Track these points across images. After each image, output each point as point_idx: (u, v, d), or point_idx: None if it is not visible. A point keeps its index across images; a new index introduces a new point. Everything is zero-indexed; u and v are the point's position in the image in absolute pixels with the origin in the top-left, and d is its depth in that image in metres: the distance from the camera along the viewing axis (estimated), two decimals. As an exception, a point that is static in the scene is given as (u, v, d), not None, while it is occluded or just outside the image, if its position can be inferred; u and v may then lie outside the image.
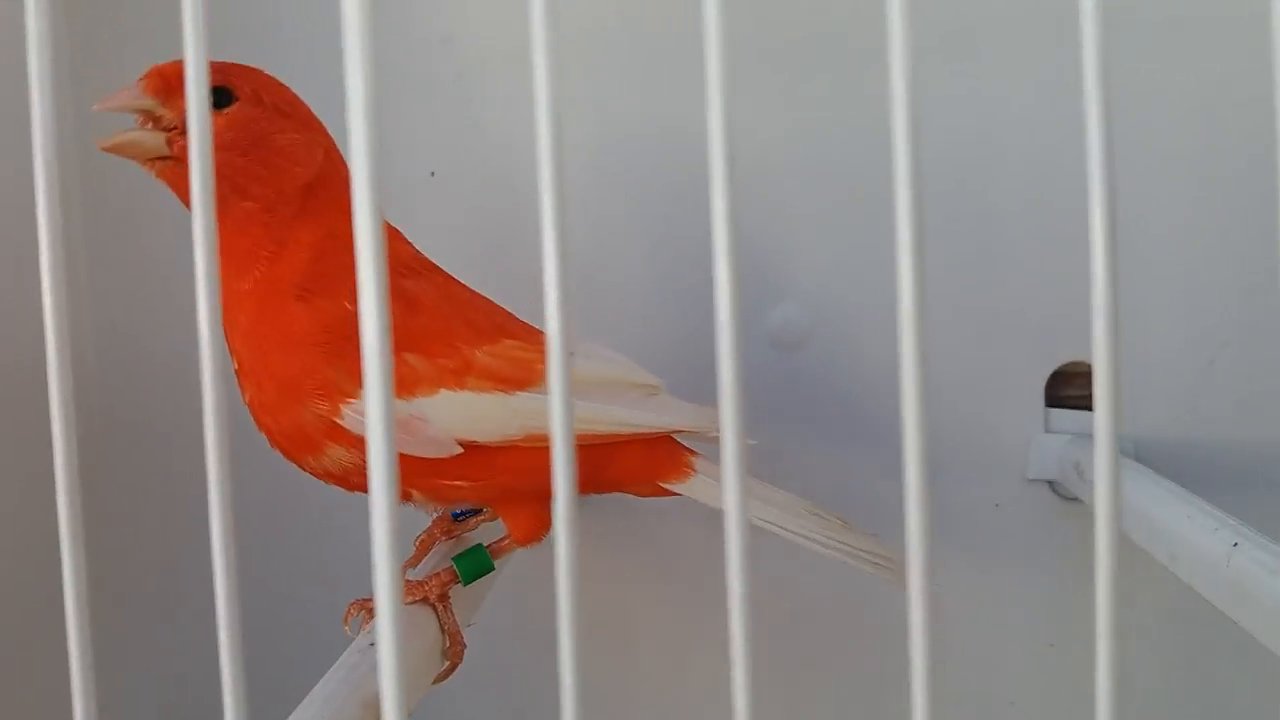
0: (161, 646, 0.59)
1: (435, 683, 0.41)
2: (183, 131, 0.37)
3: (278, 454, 0.41)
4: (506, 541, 0.43)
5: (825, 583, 0.55)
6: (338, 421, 0.38)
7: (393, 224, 0.41)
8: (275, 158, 0.39)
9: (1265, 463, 0.53)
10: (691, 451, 0.44)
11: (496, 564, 0.43)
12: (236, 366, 0.40)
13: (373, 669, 0.35)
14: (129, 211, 0.56)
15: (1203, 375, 0.53)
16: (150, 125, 0.37)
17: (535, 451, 0.40)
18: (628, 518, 0.56)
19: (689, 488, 0.43)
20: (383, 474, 0.22)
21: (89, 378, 0.56)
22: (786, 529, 0.43)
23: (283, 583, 0.55)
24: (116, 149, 0.37)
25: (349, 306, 0.39)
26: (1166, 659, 0.53)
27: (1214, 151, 0.53)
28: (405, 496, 0.40)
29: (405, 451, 0.38)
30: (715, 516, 0.42)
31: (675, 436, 0.44)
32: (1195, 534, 0.39)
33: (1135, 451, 0.52)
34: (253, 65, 0.40)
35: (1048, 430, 0.54)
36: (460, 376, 0.40)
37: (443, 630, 0.41)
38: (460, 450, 0.40)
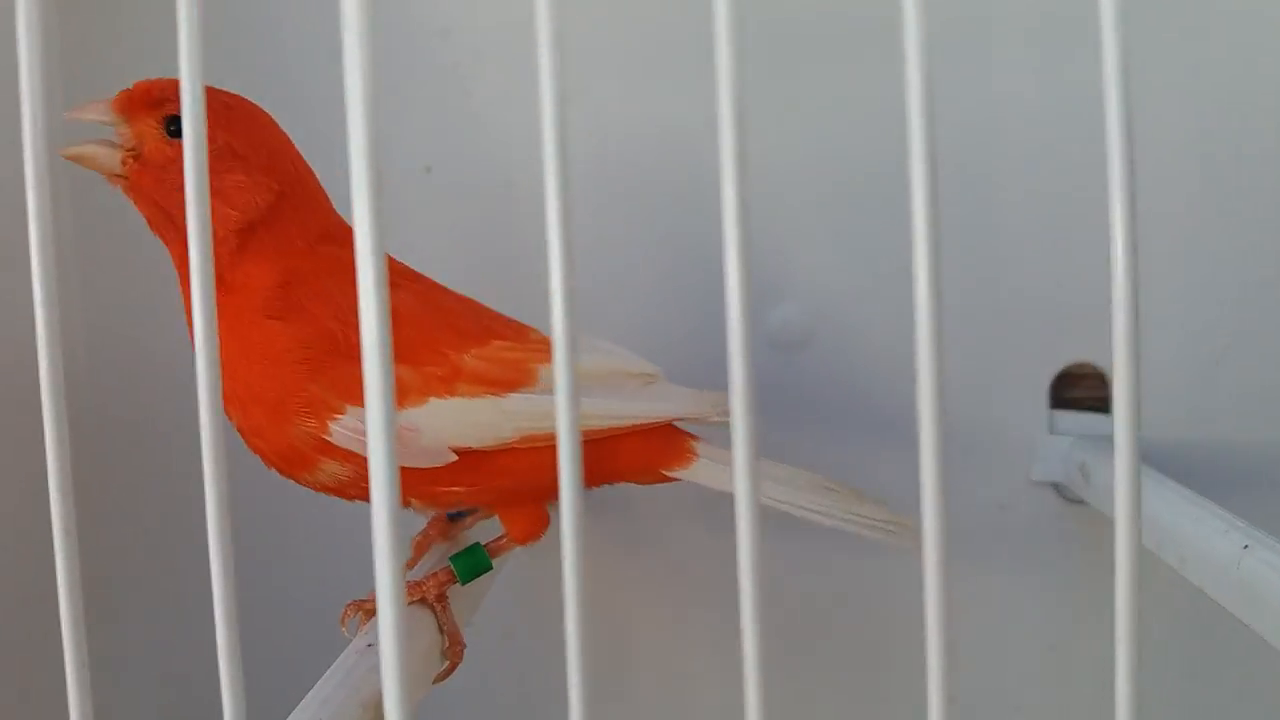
0: (159, 649, 0.58)
1: (435, 682, 0.41)
2: (136, 155, 0.38)
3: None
4: (504, 540, 0.42)
5: (828, 574, 0.54)
6: (326, 439, 0.38)
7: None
8: (210, 198, 0.38)
9: (1273, 464, 0.52)
10: (692, 436, 0.44)
11: (494, 563, 0.43)
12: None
13: (371, 670, 0.35)
14: (119, 210, 0.55)
15: (1209, 376, 0.53)
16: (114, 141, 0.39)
17: (531, 452, 0.40)
18: (626, 517, 0.56)
19: (692, 473, 0.43)
20: (383, 476, 0.21)
21: (79, 376, 0.56)
22: (796, 505, 0.42)
23: (278, 585, 0.54)
24: (76, 158, 0.38)
25: (328, 324, 0.38)
26: (1177, 662, 0.53)
27: (1220, 147, 0.52)
28: (404, 504, 0.40)
29: (400, 463, 0.37)
30: (714, 513, 0.42)
31: (675, 423, 0.44)
32: (1205, 537, 0.38)
33: (1142, 454, 0.52)
34: (236, 93, 0.40)
35: (1052, 432, 0.54)
36: (449, 383, 0.39)
37: (441, 630, 0.41)
38: (455, 458, 0.39)
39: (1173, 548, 0.39)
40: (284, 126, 0.41)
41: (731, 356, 0.21)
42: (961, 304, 0.53)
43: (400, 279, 0.42)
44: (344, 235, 0.42)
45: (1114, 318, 0.21)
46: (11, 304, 0.49)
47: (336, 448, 0.38)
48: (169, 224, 0.39)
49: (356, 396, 0.38)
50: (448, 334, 0.40)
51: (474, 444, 0.39)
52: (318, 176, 0.42)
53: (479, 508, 0.46)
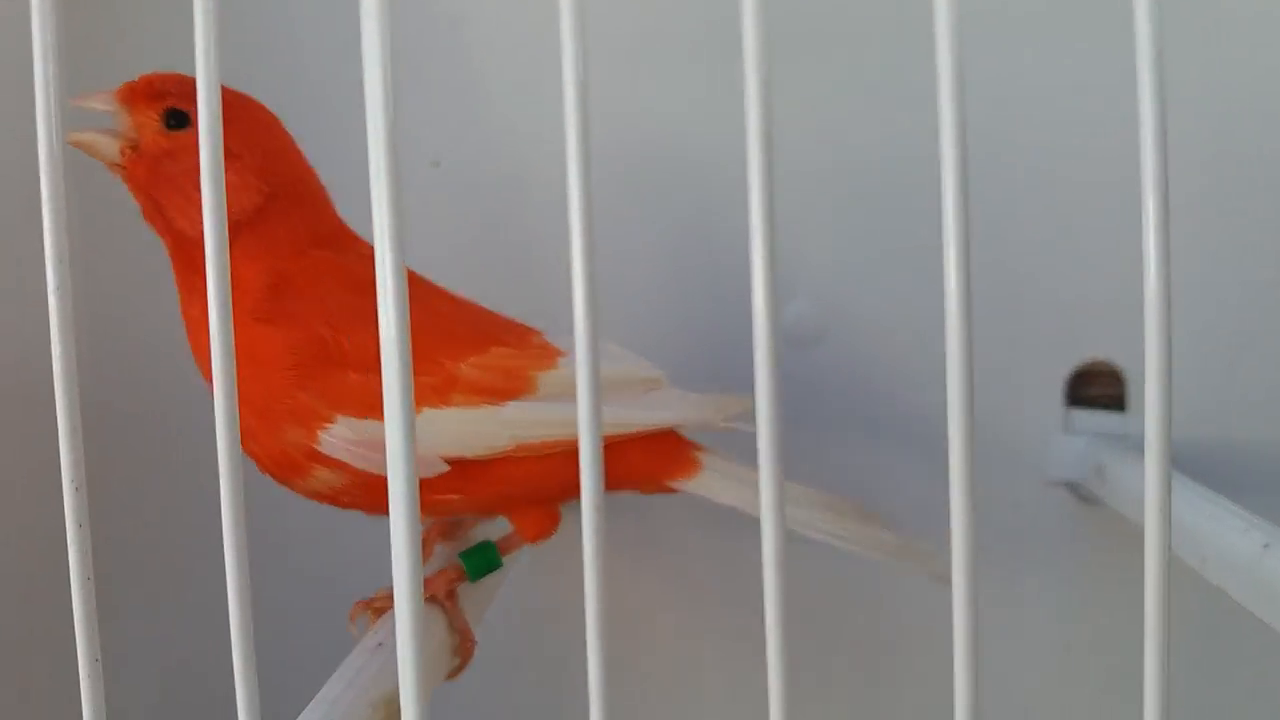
0: (159, 647, 0.58)
1: (447, 679, 0.41)
2: (134, 146, 0.38)
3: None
4: (514, 538, 0.42)
5: (840, 580, 0.54)
6: (316, 448, 0.38)
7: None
8: (197, 193, 0.38)
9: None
10: (697, 445, 0.43)
11: (504, 560, 0.42)
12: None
13: (381, 669, 0.35)
14: (122, 202, 0.55)
15: (1227, 373, 0.53)
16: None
17: (529, 460, 0.39)
18: (638, 521, 0.55)
19: (696, 484, 0.42)
20: (402, 480, 0.21)
21: (83, 369, 0.55)
22: (816, 529, 0.42)
23: (285, 584, 0.54)
24: (78, 144, 0.38)
25: (318, 330, 0.38)
26: (1198, 662, 0.52)
27: (1232, 144, 0.52)
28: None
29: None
30: (726, 518, 0.41)
31: (679, 431, 0.43)
32: (1225, 536, 0.38)
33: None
34: (240, 91, 0.39)
35: (1067, 431, 0.53)
36: (444, 393, 0.38)
37: (452, 628, 0.40)
38: (447, 468, 0.39)
39: (1193, 548, 0.39)
40: (288, 123, 0.41)
41: (759, 387, 0.20)
42: (976, 301, 0.52)
43: None
44: (342, 239, 0.41)
45: (1146, 323, 0.21)
46: (19, 297, 0.49)
47: (327, 455, 0.38)
48: (159, 215, 0.39)
49: (347, 405, 0.37)
50: (445, 342, 0.39)
51: (467, 454, 0.39)
52: (320, 178, 0.42)
53: (478, 515, 0.45)
